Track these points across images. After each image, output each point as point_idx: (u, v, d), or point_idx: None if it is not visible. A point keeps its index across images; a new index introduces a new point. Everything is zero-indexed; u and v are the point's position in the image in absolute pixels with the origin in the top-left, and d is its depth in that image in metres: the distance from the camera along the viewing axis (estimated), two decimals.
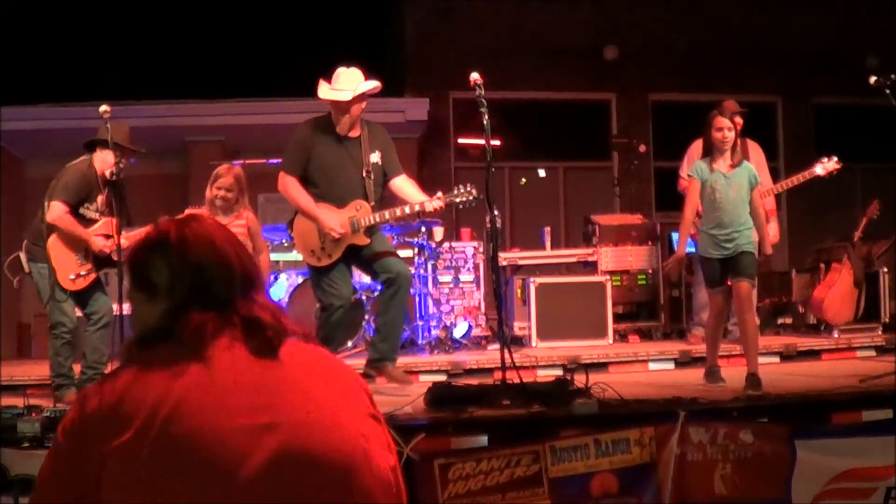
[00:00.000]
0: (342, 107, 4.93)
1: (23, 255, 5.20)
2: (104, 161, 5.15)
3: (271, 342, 1.68)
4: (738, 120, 6.21)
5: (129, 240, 5.27)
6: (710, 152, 5.05)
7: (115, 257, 5.09)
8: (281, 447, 1.56)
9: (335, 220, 4.88)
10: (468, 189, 4.91)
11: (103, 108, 4.84)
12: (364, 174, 4.97)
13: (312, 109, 10.20)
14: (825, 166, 6.02)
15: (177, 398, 1.55)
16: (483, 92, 4.61)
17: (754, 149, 6.48)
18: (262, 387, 1.62)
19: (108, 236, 5.14)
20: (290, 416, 1.60)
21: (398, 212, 4.96)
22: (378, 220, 4.95)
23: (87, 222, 5.16)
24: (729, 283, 5.02)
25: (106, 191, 5.23)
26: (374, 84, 4.98)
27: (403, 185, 5.08)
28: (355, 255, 5.04)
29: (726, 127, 4.95)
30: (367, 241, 4.96)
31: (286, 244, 7.48)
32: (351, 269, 5.16)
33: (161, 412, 1.53)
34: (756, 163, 6.39)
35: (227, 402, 1.57)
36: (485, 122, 4.54)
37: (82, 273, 5.11)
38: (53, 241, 5.08)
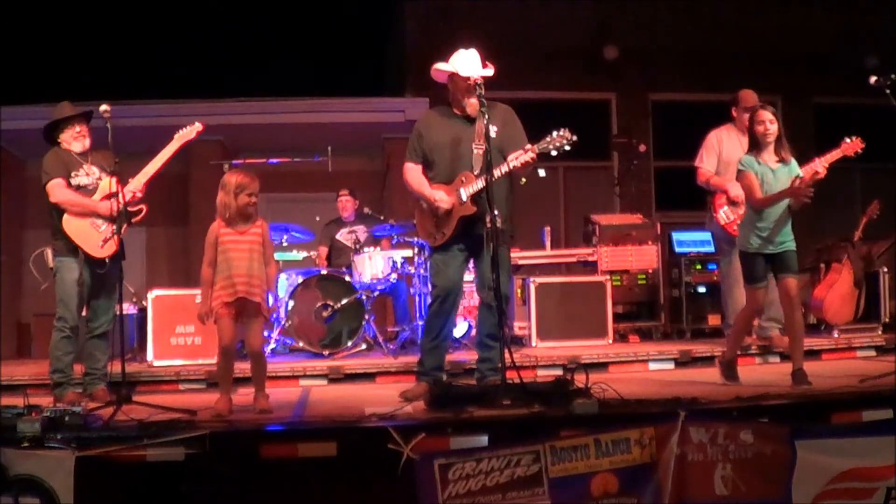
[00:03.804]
0: (472, 87, 4.85)
1: (48, 251, 5.24)
2: (67, 141, 5.23)
3: None
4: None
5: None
6: (755, 146, 5.04)
7: (130, 208, 5.16)
8: None
9: (441, 194, 4.95)
10: (561, 133, 4.72)
11: (103, 107, 4.85)
12: (473, 146, 4.96)
13: (312, 109, 10.34)
14: (850, 146, 5.94)
15: None
16: (483, 92, 4.62)
17: None
18: None
19: (112, 195, 5.03)
20: None
21: (497, 173, 4.77)
22: (481, 185, 4.82)
23: (88, 192, 5.17)
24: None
25: (90, 158, 5.27)
26: (488, 73, 4.97)
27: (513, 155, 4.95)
28: (474, 250, 5.03)
29: (768, 120, 4.98)
30: (474, 209, 4.90)
31: (285, 244, 7.50)
32: (467, 259, 5.12)
33: None
34: None
35: None
36: (485, 122, 4.54)
37: (108, 236, 5.10)
38: (66, 220, 5.09)
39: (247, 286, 4.44)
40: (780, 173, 4.96)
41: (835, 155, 5.92)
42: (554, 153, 4.78)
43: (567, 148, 4.75)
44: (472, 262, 5.19)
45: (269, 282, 4.57)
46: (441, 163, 5.06)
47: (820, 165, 5.95)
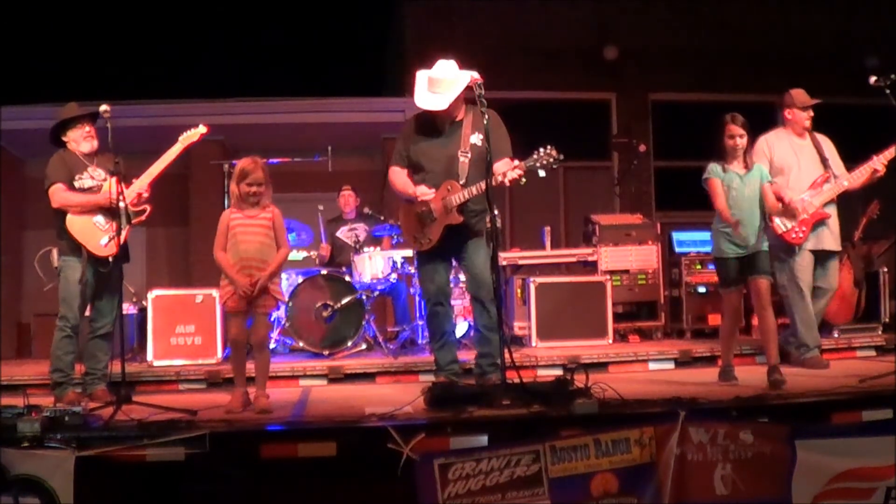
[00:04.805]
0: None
1: (54, 251, 5.26)
2: (75, 141, 5.23)
3: None
4: (811, 113, 6.10)
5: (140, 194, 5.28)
6: (722, 156, 5.14)
7: (134, 207, 5.19)
8: None
9: (423, 188, 4.99)
10: (547, 151, 4.75)
11: (103, 107, 4.86)
12: (460, 154, 5.00)
13: (312, 109, 10.33)
14: None
15: None
16: (483, 92, 4.62)
17: (825, 141, 6.25)
18: None
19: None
20: None
21: (483, 185, 4.78)
22: (467, 196, 4.91)
23: (92, 194, 5.16)
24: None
25: (96, 160, 5.27)
26: (467, 80, 4.79)
27: (500, 167, 4.92)
28: (456, 250, 5.11)
29: (738, 135, 5.09)
30: (461, 219, 4.97)
31: None
32: (450, 263, 5.28)
33: None
34: (830, 152, 6.21)
35: None
36: (485, 122, 4.54)
37: (111, 234, 5.10)
38: (70, 220, 5.10)
39: (260, 270, 4.47)
40: (749, 178, 5.10)
41: (893, 151, 5.88)
42: (542, 173, 4.81)
43: (554, 167, 4.79)
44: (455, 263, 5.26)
45: (276, 262, 4.58)
46: (425, 169, 5.09)
47: (878, 163, 5.88)
